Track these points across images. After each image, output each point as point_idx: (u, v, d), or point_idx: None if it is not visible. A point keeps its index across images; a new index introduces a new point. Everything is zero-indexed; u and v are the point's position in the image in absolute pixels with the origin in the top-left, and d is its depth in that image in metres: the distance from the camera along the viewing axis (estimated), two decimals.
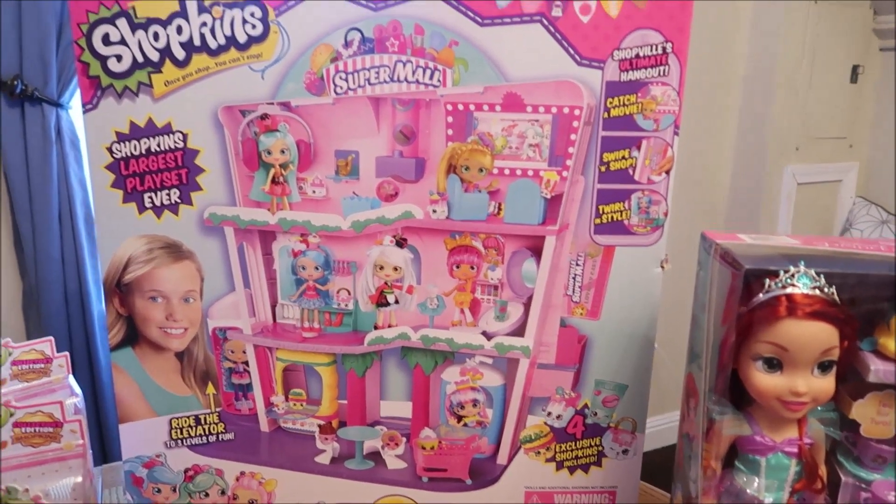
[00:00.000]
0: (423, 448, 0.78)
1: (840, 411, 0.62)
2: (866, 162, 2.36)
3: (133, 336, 0.76)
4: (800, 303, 0.56)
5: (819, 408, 0.61)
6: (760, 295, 0.57)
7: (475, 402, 0.77)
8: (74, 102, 1.45)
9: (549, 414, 0.78)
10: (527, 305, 0.75)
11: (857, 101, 2.27)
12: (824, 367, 0.58)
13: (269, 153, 0.72)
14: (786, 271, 0.57)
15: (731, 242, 0.61)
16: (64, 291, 1.51)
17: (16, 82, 1.39)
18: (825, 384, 0.58)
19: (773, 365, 0.58)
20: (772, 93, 2.12)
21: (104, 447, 1.52)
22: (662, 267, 0.74)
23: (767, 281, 0.57)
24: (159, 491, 0.79)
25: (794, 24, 2.08)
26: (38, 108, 1.42)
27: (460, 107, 0.71)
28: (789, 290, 0.57)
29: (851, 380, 0.61)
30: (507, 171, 0.72)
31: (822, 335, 0.57)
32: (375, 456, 0.80)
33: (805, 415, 0.61)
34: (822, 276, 0.57)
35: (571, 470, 0.79)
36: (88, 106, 0.70)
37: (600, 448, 0.79)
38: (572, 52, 0.69)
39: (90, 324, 1.52)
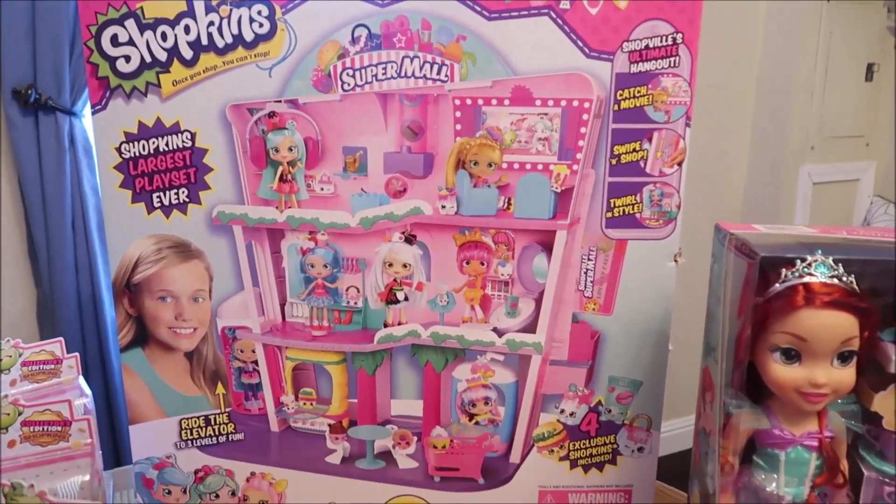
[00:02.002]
0: (435, 447, 0.77)
1: (861, 404, 0.60)
2: (884, 160, 2.33)
3: (143, 337, 0.76)
4: (818, 292, 0.55)
5: (839, 400, 0.60)
6: (777, 285, 0.56)
7: (487, 400, 0.76)
8: (87, 111, 1.47)
9: (563, 411, 0.76)
10: (538, 301, 0.74)
11: (873, 99, 2.24)
12: (844, 357, 0.57)
13: (276, 151, 0.72)
14: (802, 260, 0.56)
15: (745, 232, 0.60)
16: (77, 298, 1.52)
17: (30, 91, 1.40)
18: (845, 375, 0.57)
19: (792, 356, 0.57)
20: (786, 92, 2.10)
21: (118, 453, 1.52)
22: (676, 260, 0.73)
23: (784, 270, 0.56)
24: (169, 493, 0.79)
25: (807, 23, 2.06)
26: (52, 117, 1.44)
27: (468, 101, 0.70)
28: (806, 279, 0.55)
29: (872, 371, 0.59)
30: (516, 166, 0.71)
31: (841, 325, 0.56)
32: (387, 455, 0.79)
33: (825, 408, 0.59)
34: (840, 264, 0.56)
35: (586, 468, 0.78)
36: (97, 107, 0.71)
37: (615, 446, 0.77)
38: (581, 44, 0.68)
39: (103, 330, 1.53)
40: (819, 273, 0.56)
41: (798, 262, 0.56)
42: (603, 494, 0.79)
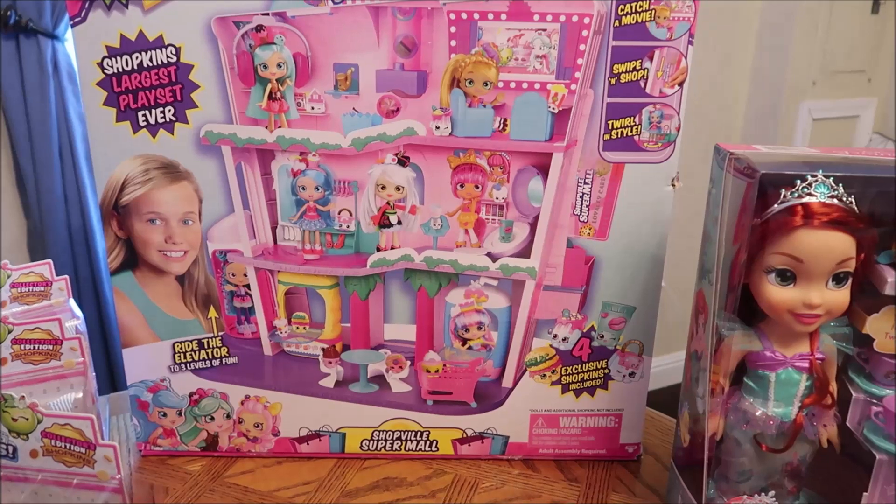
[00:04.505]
0: (428, 371, 0.78)
1: (853, 326, 0.60)
2: (885, 97, 2.29)
3: (133, 260, 0.75)
4: (816, 212, 0.54)
5: (832, 323, 0.60)
6: (775, 205, 0.55)
7: (480, 325, 0.76)
8: (69, 35, 1.42)
9: (555, 336, 0.77)
10: (533, 226, 0.73)
11: (878, 33, 2.19)
12: (839, 279, 0.56)
13: (265, 67, 0.69)
14: (803, 180, 0.55)
15: (746, 152, 0.59)
16: (68, 228, 1.50)
17: (9, 13, 1.35)
18: (840, 296, 0.57)
19: (787, 277, 0.57)
20: (790, 25, 2.05)
21: (113, 383, 1.53)
22: (673, 185, 0.72)
23: (783, 191, 0.55)
24: (165, 415, 0.79)
25: None
26: (34, 41, 1.39)
27: (464, 16, 0.67)
28: (806, 199, 0.55)
29: (866, 294, 0.59)
30: (512, 85, 0.69)
31: (838, 245, 0.55)
32: (380, 379, 0.79)
33: (817, 330, 0.60)
34: (840, 184, 0.55)
35: (577, 393, 0.79)
36: (77, 19, 0.67)
37: (607, 371, 0.78)
38: None
39: (95, 260, 1.52)
40: (819, 193, 0.55)
41: (798, 182, 0.55)
42: (594, 418, 0.80)
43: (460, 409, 0.79)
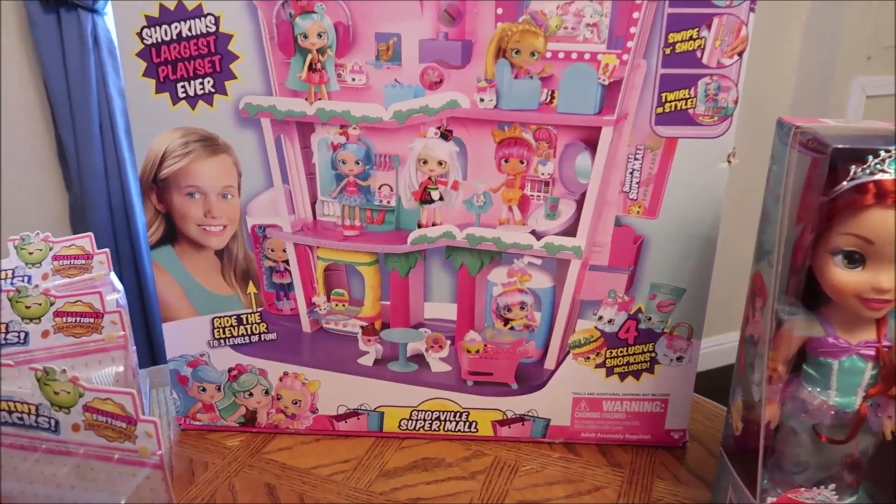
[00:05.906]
0: (468, 351, 0.76)
1: None
2: None
3: (172, 234, 0.75)
4: (890, 190, 0.51)
5: None
6: (844, 183, 0.52)
7: (523, 305, 0.74)
8: (109, 9, 1.42)
9: (601, 318, 0.74)
10: (579, 203, 0.70)
11: None
12: None
13: (305, 37, 0.67)
14: (875, 155, 0.51)
15: (812, 125, 0.55)
16: (108, 202, 1.52)
17: None
18: None
19: (855, 260, 0.53)
20: None
21: (154, 356, 1.55)
22: (729, 161, 0.68)
23: (853, 167, 0.51)
24: (204, 390, 0.79)
25: None
26: (74, 15, 1.40)
27: None
28: (878, 176, 0.51)
29: None
30: (561, 55, 0.66)
31: None
32: (419, 359, 0.78)
33: (885, 316, 0.56)
34: None
35: (622, 376, 0.76)
36: None
37: (653, 354, 0.75)
38: None
39: (135, 234, 1.54)
40: (892, 170, 0.51)
41: (870, 157, 0.51)
42: (639, 402, 0.77)
43: (501, 391, 0.78)
